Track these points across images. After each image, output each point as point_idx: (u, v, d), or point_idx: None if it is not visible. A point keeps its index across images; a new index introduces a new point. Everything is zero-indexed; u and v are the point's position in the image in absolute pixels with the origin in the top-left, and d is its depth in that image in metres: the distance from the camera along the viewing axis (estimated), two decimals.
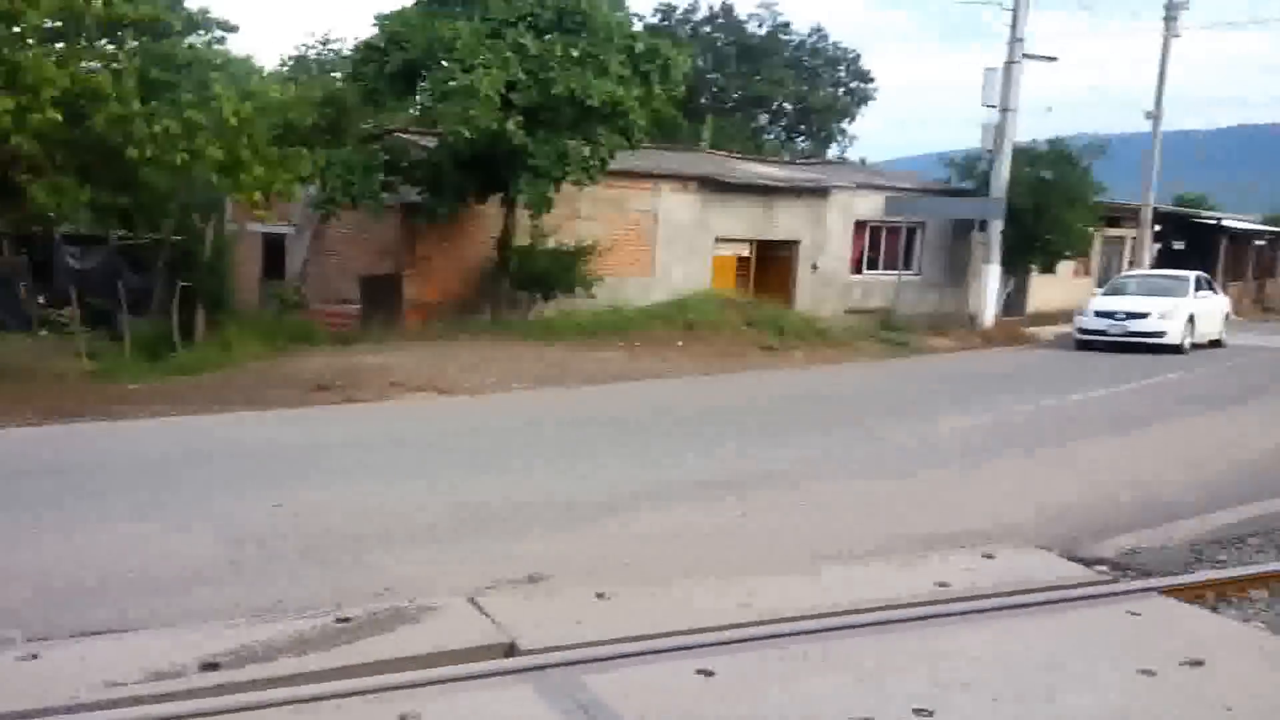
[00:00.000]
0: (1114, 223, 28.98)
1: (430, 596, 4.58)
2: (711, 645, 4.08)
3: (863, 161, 34.17)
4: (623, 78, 14.29)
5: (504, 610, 4.41)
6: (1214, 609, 5.02)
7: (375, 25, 14.91)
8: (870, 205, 22.54)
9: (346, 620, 4.23)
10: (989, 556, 5.48)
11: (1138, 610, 4.73)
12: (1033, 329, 23.04)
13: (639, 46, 14.83)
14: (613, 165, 16.17)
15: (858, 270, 22.78)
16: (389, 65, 14.39)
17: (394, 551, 5.65)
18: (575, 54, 13.96)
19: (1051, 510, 7.13)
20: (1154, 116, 28.50)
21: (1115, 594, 4.97)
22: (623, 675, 3.80)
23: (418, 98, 14.61)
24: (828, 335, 18.32)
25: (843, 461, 8.72)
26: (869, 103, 39.73)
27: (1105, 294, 20.78)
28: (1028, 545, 5.94)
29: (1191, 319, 19.40)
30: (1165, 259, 33.25)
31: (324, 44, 25.23)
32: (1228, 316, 21.82)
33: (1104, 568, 5.70)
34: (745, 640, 4.16)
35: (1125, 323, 18.93)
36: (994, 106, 21.92)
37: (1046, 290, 25.95)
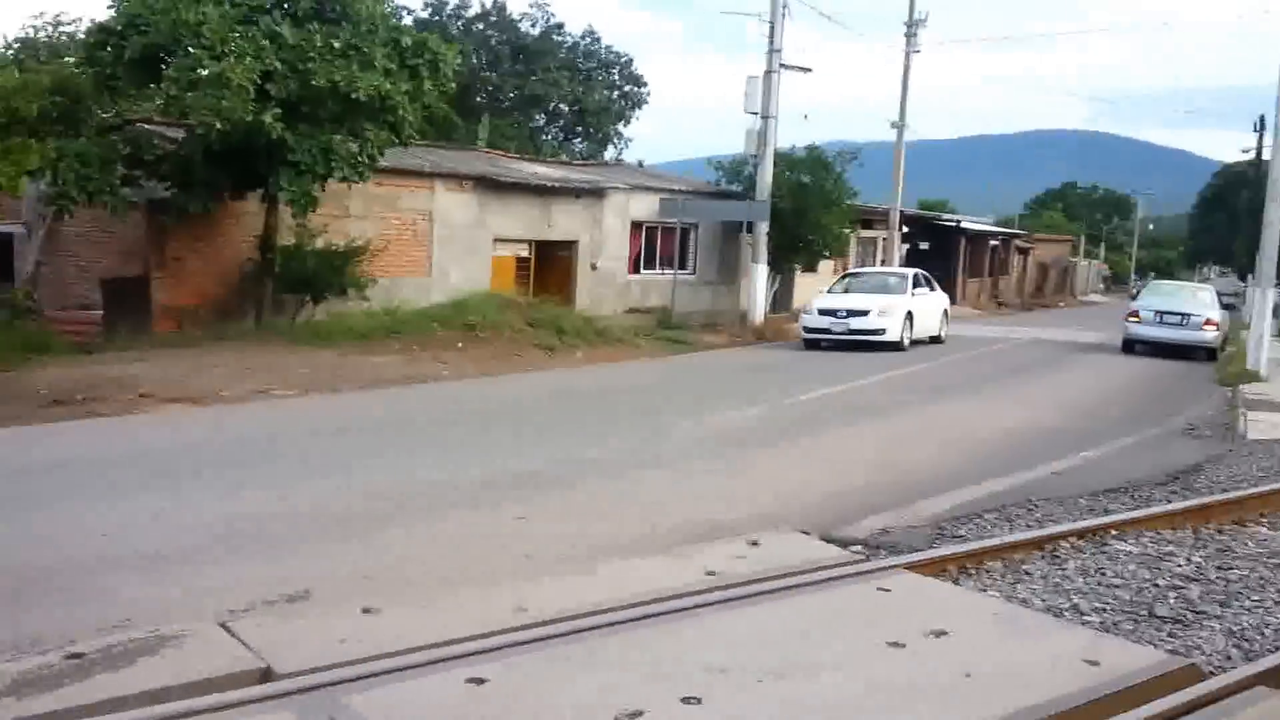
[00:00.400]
0: (868, 225, 30.99)
1: (176, 624, 4.22)
2: (484, 652, 3.98)
3: (640, 163, 34.85)
4: (389, 71, 13.84)
5: (260, 634, 4.12)
6: (955, 581, 5.38)
7: (111, 6, 13.74)
8: (646, 206, 23.01)
9: (78, 656, 3.83)
10: (754, 543, 5.66)
11: (888, 586, 4.98)
12: (798, 325, 24.19)
13: (405, 40, 14.41)
14: (385, 163, 15.70)
15: (636, 270, 23.21)
16: (128, 50, 13.26)
17: (137, 577, 5.19)
18: (337, 45, 13.38)
19: (813, 495, 7.47)
20: (899, 126, 30.66)
21: (867, 572, 5.22)
22: (389, 691, 3.63)
23: (162, 86, 13.54)
24: (607, 334, 18.52)
25: (621, 458, 8.79)
26: (643, 106, 40.59)
27: (829, 292, 20.88)
28: (790, 530, 6.19)
29: (910, 316, 19.66)
30: (913, 258, 35.70)
31: (55, 25, 23.00)
32: (946, 313, 22.27)
33: (858, 548, 6.03)
34: (519, 644, 4.07)
35: (847, 320, 19.04)
36: (756, 113, 22.87)
37: (810, 288, 27.29)
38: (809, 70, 24.01)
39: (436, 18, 36.39)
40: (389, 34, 14.21)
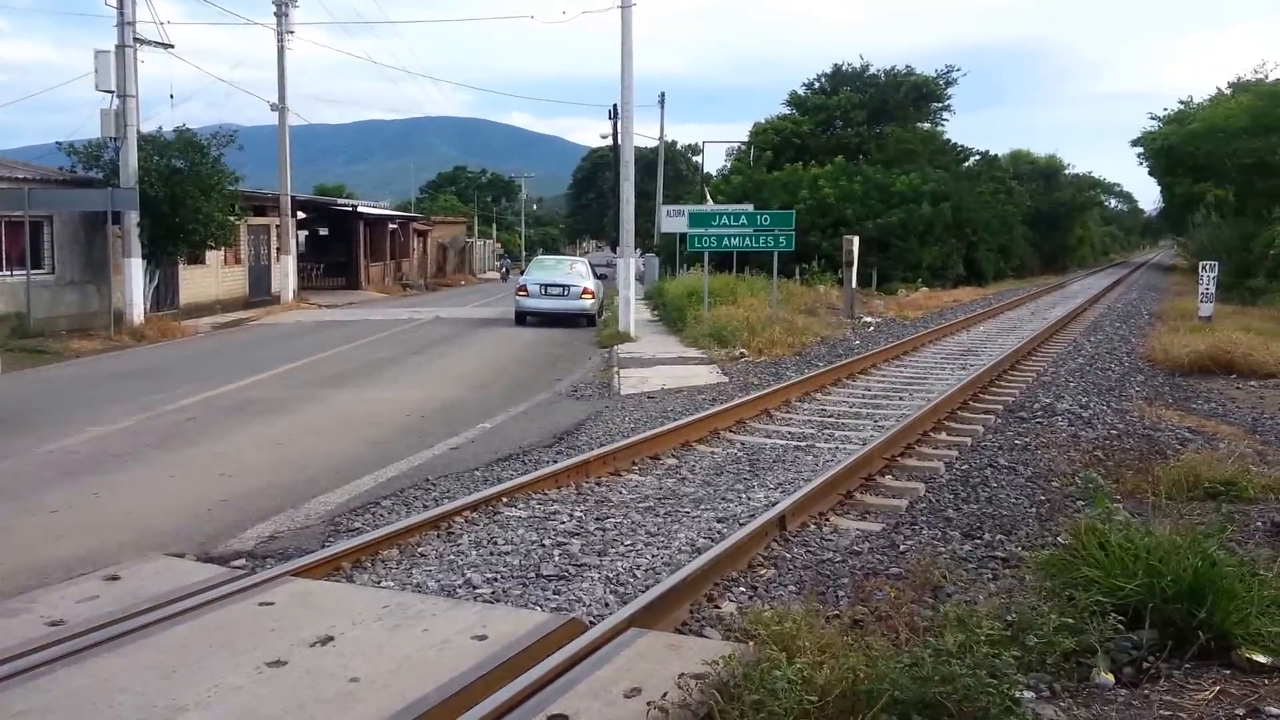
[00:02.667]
0: (261, 211, 29.53)
1: None
2: None
3: None
4: None
5: None
6: (350, 578, 5.08)
7: None
8: None
9: None
10: (114, 578, 4.89)
11: (271, 599, 4.55)
12: (188, 322, 22.33)
13: None
14: None
15: None
16: None
17: None
18: None
19: (192, 509, 6.72)
20: (279, 109, 29.62)
21: (247, 588, 4.73)
22: None
23: None
24: None
25: None
26: None
27: None
28: (158, 555, 5.44)
29: None
30: (312, 244, 34.85)
31: None
32: None
33: (243, 561, 5.49)
34: None
35: None
36: (112, 92, 20.42)
37: (199, 281, 25.44)
38: (171, 46, 22.04)
39: None
40: None
